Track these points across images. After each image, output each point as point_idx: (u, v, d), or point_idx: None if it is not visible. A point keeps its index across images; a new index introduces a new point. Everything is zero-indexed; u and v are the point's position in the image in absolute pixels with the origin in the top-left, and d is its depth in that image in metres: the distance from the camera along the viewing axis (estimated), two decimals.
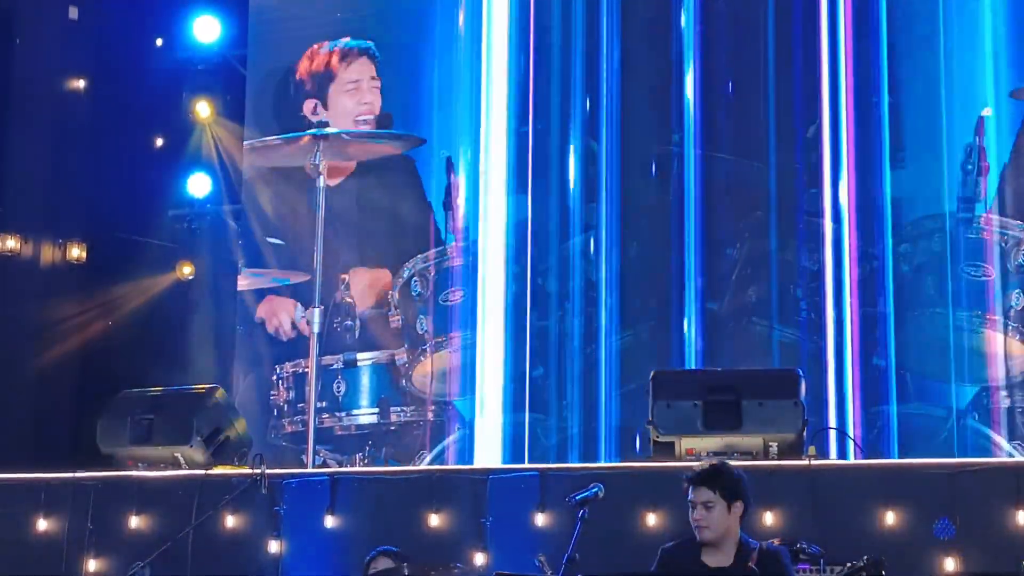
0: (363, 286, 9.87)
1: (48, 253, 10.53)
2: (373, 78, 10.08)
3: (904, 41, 9.19)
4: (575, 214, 9.56)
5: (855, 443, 8.22)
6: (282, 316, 9.90)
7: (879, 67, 9.17)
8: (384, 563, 6.28)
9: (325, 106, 10.08)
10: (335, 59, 10.14)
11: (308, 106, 10.13)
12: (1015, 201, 8.99)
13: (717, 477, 5.44)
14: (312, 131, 9.38)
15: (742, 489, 5.45)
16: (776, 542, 5.52)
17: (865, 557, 5.15)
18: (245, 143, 10.06)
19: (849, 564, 5.23)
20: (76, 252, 10.62)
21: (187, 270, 10.68)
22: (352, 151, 9.47)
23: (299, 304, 9.21)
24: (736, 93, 9.37)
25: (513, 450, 9.31)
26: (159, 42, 10.84)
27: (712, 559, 5.42)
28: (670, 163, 9.43)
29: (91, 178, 10.49)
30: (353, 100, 10.07)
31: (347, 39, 10.16)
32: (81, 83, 10.77)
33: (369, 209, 10.06)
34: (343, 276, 9.85)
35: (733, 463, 6.37)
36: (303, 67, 10.18)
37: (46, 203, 10.48)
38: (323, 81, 10.14)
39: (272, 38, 10.54)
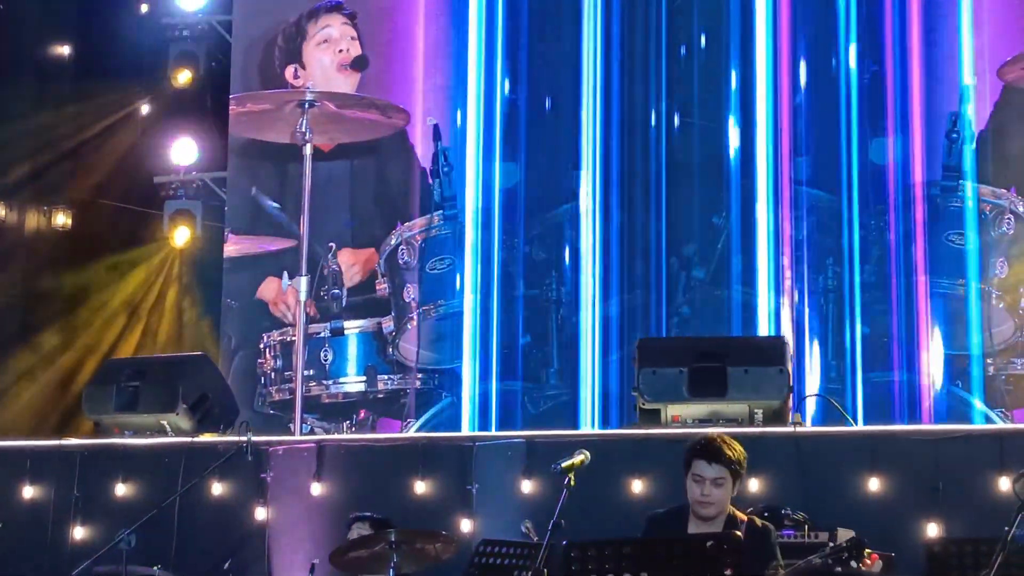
0: (348, 266, 9.83)
1: (33, 220, 10.51)
2: (345, 24, 10.01)
3: (887, 9, 9.18)
4: (563, 182, 9.54)
5: (841, 410, 8.25)
6: (288, 299, 9.85)
7: (862, 35, 9.17)
8: (362, 529, 6.28)
9: (303, 67, 10.02)
10: (303, 19, 10.09)
11: (289, 72, 10.07)
12: (997, 170, 9.00)
13: (733, 455, 5.35)
14: (296, 91, 9.26)
15: (746, 465, 5.42)
16: (759, 523, 5.49)
17: (847, 540, 5.14)
18: (231, 99, 10.00)
19: (831, 546, 5.22)
20: (61, 219, 10.59)
21: (178, 236, 10.65)
22: (337, 128, 9.35)
23: (286, 272, 9.18)
24: (724, 62, 9.35)
25: (500, 417, 9.32)
26: (144, 8, 10.78)
27: (700, 530, 5.39)
28: (657, 131, 9.42)
29: (76, 145, 10.46)
30: (328, 54, 10.02)
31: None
32: (66, 49, 10.71)
33: (360, 178, 10.02)
34: (331, 244, 9.82)
35: (719, 430, 6.41)
36: (279, 35, 10.13)
37: (31, 170, 10.45)
38: (296, 42, 10.08)
39: (257, 4, 10.48)
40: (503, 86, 9.65)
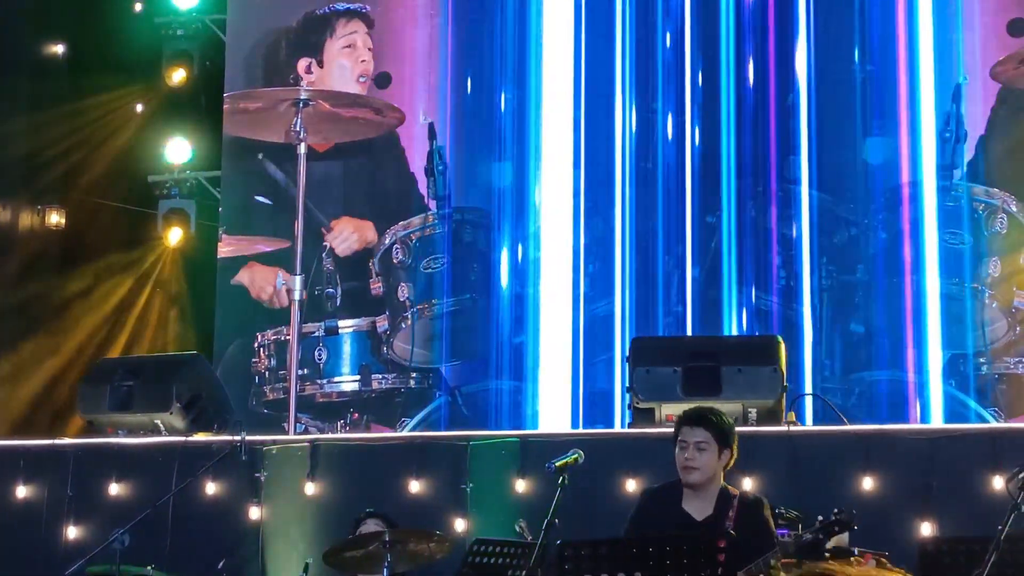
0: (348, 232, 9.81)
1: (27, 219, 10.50)
2: (367, 34, 10.00)
3: (880, 9, 9.20)
4: (556, 182, 9.54)
5: (835, 409, 8.25)
6: (266, 285, 9.84)
7: (855, 35, 9.18)
8: (373, 525, 6.28)
9: (320, 64, 9.99)
10: (333, 16, 10.04)
11: (302, 64, 10.03)
12: (992, 169, 9.01)
13: (714, 419, 5.46)
14: (291, 89, 9.24)
15: (734, 437, 5.49)
16: (750, 495, 5.53)
17: (836, 510, 5.21)
18: (226, 97, 9.98)
19: (820, 519, 5.28)
20: (55, 218, 10.59)
21: (172, 235, 10.65)
22: (332, 128, 9.34)
23: (281, 271, 9.17)
24: (716, 61, 9.36)
25: (494, 416, 9.32)
26: (138, 7, 10.78)
27: (693, 506, 5.45)
28: (650, 130, 9.43)
29: (70, 144, 10.46)
30: (350, 59, 9.98)
31: (339, 3, 10.08)
32: (60, 48, 10.71)
33: (354, 177, 10.02)
34: (325, 243, 9.82)
35: None
36: (297, 25, 10.08)
37: (25, 169, 10.44)
38: (320, 38, 10.03)
39: (252, 2, 10.46)
40: (494, 88, 9.66)
